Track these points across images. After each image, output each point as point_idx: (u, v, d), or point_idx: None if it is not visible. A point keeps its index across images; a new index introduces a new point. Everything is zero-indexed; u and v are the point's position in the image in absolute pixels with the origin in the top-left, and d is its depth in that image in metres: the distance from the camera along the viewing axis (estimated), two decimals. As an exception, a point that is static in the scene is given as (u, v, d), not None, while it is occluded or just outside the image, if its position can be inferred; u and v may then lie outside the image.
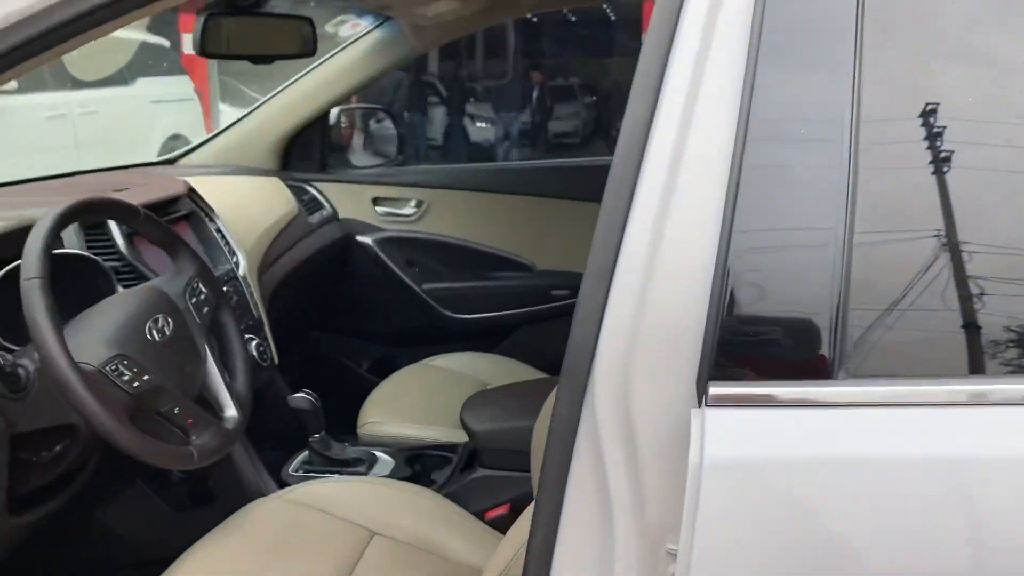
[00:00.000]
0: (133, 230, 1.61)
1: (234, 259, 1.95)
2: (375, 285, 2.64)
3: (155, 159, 2.78)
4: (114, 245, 1.62)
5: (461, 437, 1.95)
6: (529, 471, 1.62)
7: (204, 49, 1.81)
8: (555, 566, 0.86)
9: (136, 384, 1.19)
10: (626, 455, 0.84)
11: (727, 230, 0.80)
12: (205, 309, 1.43)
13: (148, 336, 1.26)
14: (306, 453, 1.84)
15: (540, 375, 2.31)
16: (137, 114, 6.97)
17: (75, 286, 1.45)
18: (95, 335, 1.20)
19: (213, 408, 1.39)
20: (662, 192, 0.83)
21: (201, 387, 1.38)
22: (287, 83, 2.55)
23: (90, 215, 1.24)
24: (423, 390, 2.20)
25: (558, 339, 2.65)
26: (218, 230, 1.97)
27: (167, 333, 1.30)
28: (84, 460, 1.38)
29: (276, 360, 1.94)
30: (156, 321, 1.29)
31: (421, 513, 1.55)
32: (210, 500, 1.72)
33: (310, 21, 2.04)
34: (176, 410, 1.26)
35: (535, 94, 7.58)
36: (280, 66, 2.13)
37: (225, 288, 1.78)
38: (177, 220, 1.88)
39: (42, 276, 1.11)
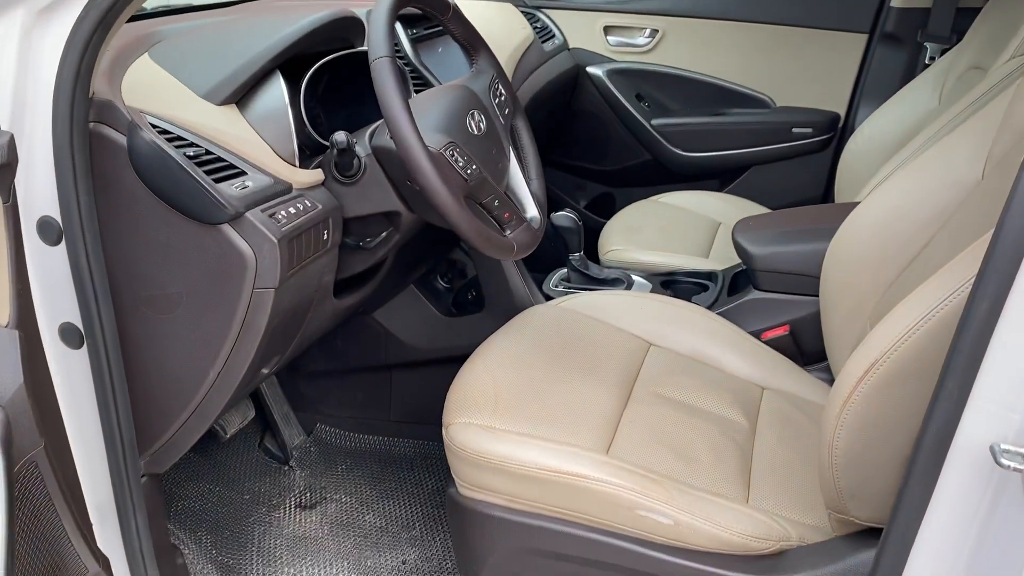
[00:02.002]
0: (420, 34, 1.61)
1: (493, 77, 1.94)
2: (602, 119, 2.60)
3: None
4: (402, 49, 1.63)
5: (711, 266, 1.92)
6: (807, 294, 1.58)
7: None
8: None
9: (468, 171, 1.21)
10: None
11: None
12: (506, 111, 1.42)
13: (468, 129, 1.28)
14: (564, 270, 1.86)
15: (777, 215, 2.23)
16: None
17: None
18: (429, 123, 1.21)
19: (517, 207, 1.41)
20: None
21: (506, 186, 1.40)
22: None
23: (413, 2, 1.24)
24: (660, 224, 2.18)
25: (796, 180, 2.56)
26: (477, 47, 1.95)
27: (482, 128, 1.31)
28: (393, 248, 1.44)
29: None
30: (473, 116, 1.30)
31: (697, 328, 1.55)
32: (480, 307, 1.78)
33: None
34: (496, 202, 1.28)
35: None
36: None
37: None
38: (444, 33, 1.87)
39: (391, 55, 1.13)
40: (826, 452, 1.02)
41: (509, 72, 2.15)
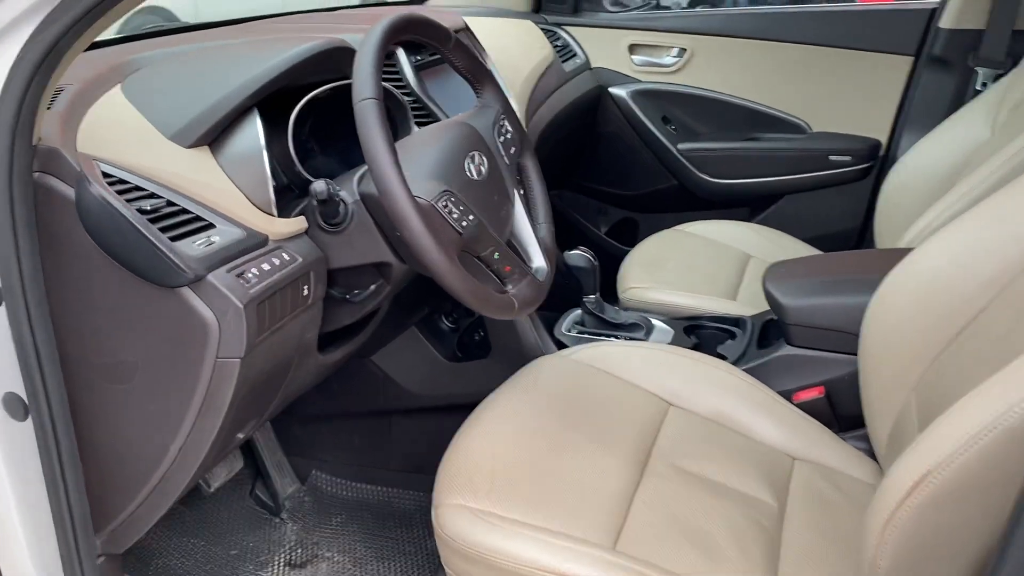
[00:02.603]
0: (425, 60, 1.49)
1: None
2: (625, 142, 2.46)
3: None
4: (403, 78, 1.50)
5: (739, 309, 1.78)
6: (846, 352, 1.43)
7: None
8: None
9: (464, 223, 1.08)
10: None
11: None
12: (512, 149, 1.29)
13: (467, 174, 1.15)
14: (578, 313, 1.73)
15: (812, 250, 2.08)
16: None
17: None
18: (421, 169, 1.09)
19: (521, 256, 1.27)
20: None
21: (511, 235, 1.26)
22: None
23: (407, 32, 1.11)
24: (684, 257, 2.03)
25: (832, 210, 2.40)
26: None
27: (483, 171, 1.18)
28: (384, 300, 1.31)
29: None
30: (473, 158, 1.17)
31: (721, 387, 1.41)
32: (485, 353, 1.65)
33: None
34: (496, 254, 1.14)
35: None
36: None
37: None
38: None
39: (376, 96, 1.00)
40: (867, 569, 0.87)
41: (526, 93, 2.02)
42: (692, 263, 2.01)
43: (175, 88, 1.12)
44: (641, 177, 2.49)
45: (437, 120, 1.51)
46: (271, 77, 1.12)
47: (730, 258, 2.04)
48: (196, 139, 1.07)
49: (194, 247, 0.96)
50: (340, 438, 1.79)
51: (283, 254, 1.09)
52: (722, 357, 1.59)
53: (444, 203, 1.06)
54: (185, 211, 1.01)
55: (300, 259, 1.10)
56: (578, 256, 1.64)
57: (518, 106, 1.84)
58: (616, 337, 1.67)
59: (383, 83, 1.36)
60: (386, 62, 1.50)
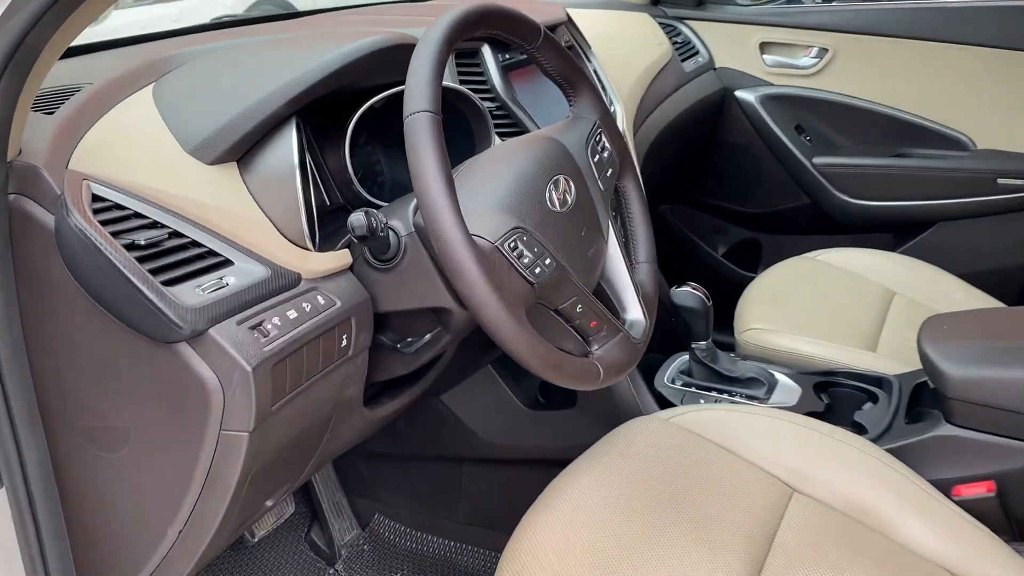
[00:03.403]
0: (515, 59, 1.27)
1: (612, 109, 1.57)
2: (751, 153, 2.21)
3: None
4: (487, 80, 1.29)
5: (880, 364, 1.48)
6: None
7: None
8: None
9: (538, 270, 0.85)
10: None
11: None
12: (609, 171, 1.05)
13: (548, 204, 0.92)
14: (685, 359, 1.47)
15: (971, 290, 1.74)
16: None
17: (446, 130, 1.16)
18: (487, 198, 0.87)
19: (613, 306, 1.04)
20: None
21: (601, 278, 1.03)
22: None
23: (481, 28, 0.89)
24: (816, 293, 1.74)
25: (997, 243, 2.02)
26: (595, 71, 1.59)
27: (569, 201, 0.95)
28: (444, 349, 1.10)
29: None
30: (557, 184, 0.94)
31: (860, 471, 1.13)
32: (572, 402, 1.42)
33: None
34: (579, 306, 0.91)
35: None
36: None
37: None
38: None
39: (434, 110, 0.78)
40: None
41: (637, 96, 1.78)
42: (825, 300, 1.72)
43: (203, 91, 0.94)
44: (767, 193, 2.22)
45: (525, 132, 1.28)
46: (314, 81, 0.92)
47: (871, 295, 1.74)
48: (220, 154, 0.88)
49: (197, 292, 0.77)
50: (406, 481, 1.60)
51: (318, 297, 0.89)
52: (860, 429, 1.31)
53: (513, 243, 0.84)
54: (195, 244, 0.82)
55: (339, 303, 0.90)
56: (688, 295, 1.38)
57: (625, 112, 1.59)
58: (730, 394, 1.41)
59: (462, 86, 1.15)
60: (468, 61, 1.28)
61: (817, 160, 2.11)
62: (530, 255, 0.85)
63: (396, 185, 1.20)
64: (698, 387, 1.43)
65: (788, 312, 1.67)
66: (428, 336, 1.01)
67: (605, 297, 1.03)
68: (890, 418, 1.29)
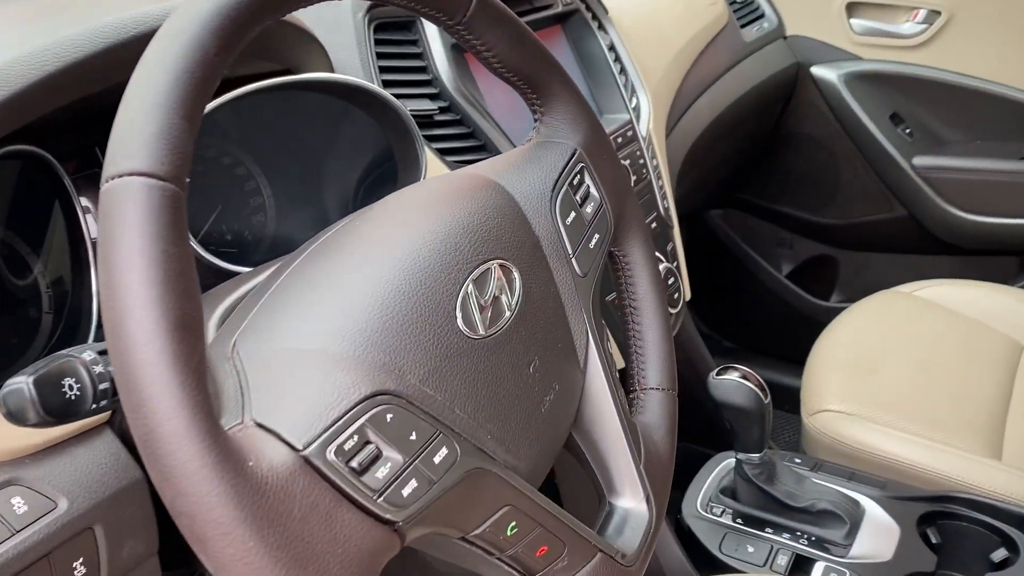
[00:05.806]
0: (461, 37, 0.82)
1: (633, 102, 1.12)
2: (829, 148, 1.80)
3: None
4: (428, 67, 0.83)
5: (1012, 481, 1.01)
6: None
7: None
8: None
9: (412, 484, 0.41)
10: None
11: None
12: (595, 238, 0.61)
13: (460, 324, 0.48)
14: (730, 471, 1.02)
15: None
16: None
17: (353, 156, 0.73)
18: (322, 328, 0.43)
19: (589, 485, 0.59)
20: None
21: (572, 428, 0.58)
22: None
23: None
24: (921, 351, 1.29)
25: None
26: (611, 47, 1.13)
27: (505, 312, 0.51)
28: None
29: (687, 295, 1.12)
30: (483, 281, 0.50)
31: None
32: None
33: None
34: (512, 526, 0.48)
35: None
36: None
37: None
38: (544, 24, 1.06)
39: (168, 175, 0.35)
40: None
41: (676, 79, 1.33)
42: (931, 363, 1.28)
43: None
44: (849, 201, 1.81)
45: (485, 146, 0.84)
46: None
47: (995, 354, 1.28)
48: None
49: None
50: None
51: (14, 498, 0.47)
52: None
53: (355, 436, 0.40)
54: None
55: (64, 502, 0.48)
56: (735, 388, 0.92)
57: (655, 106, 1.15)
58: (793, 534, 0.96)
59: (384, 76, 0.71)
60: (399, 37, 0.83)
61: (918, 161, 1.68)
62: (397, 451, 0.41)
63: (280, 235, 0.78)
64: (746, 519, 0.98)
65: (881, 385, 1.21)
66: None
67: (577, 452, 0.59)
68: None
